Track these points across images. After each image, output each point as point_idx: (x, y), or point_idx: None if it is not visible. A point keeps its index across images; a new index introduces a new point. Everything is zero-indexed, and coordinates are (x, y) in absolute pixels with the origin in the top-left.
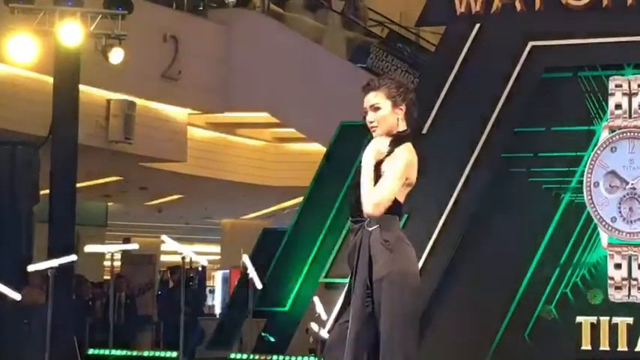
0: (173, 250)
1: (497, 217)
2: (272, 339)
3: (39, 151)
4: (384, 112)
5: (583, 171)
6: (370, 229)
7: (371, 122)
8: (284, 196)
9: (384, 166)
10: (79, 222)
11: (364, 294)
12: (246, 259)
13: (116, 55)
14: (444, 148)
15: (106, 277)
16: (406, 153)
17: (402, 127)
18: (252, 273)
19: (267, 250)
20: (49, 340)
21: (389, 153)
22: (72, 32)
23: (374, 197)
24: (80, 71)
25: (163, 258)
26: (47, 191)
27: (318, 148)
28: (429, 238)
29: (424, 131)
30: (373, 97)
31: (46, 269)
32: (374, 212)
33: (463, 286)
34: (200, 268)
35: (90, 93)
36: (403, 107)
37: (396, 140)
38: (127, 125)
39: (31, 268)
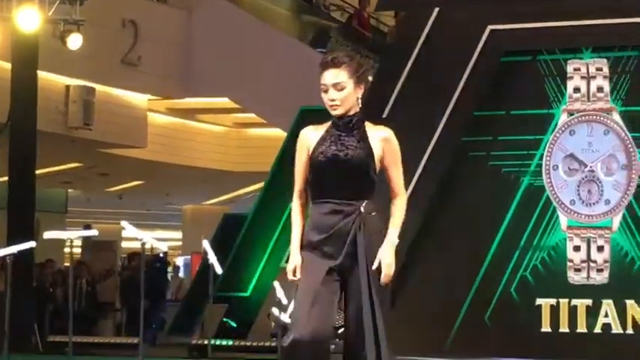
0: (134, 236)
1: (457, 201)
2: (233, 324)
3: None
4: (347, 91)
5: (542, 154)
6: (371, 213)
7: (333, 100)
8: (245, 182)
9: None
10: (38, 208)
11: (368, 282)
12: (206, 244)
13: (75, 41)
14: (404, 133)
15: (67, 264)
16: (392, 135)
17: (357, 108)
18: (212, 258)
19: (228, 235)
20: (8, 326)
21: (358, 128)
22: (30, 18)
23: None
24: (38, 57)
25: (125, 244)
26: (6, 178)
27: (279, 133)
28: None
29: (384, 115)
30: (336, 75)
31: (5, 256)
32: None
33: (423, 271)
34: (161, 255)
35: (48, 79)
36: (362, 87)
37: (361, 119)
38: (86, 111)
39: None
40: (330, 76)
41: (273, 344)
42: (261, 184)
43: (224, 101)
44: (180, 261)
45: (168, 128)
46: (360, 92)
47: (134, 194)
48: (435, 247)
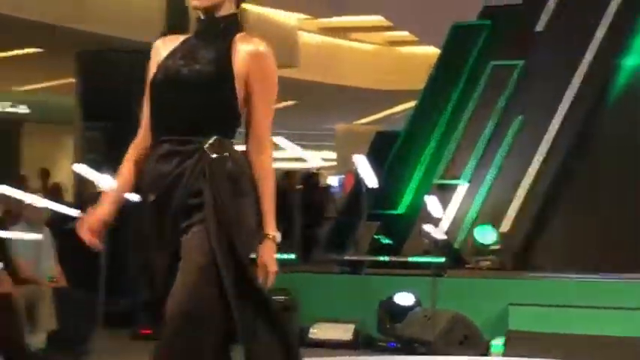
0: (287, 156)
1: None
2: (387, 241)
3: None
4: None
5: None
6: (221, 154)
7: None
8: (396, 100)
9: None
10: None
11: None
12: (359, 158)
13: None
14: (559, 45)
15: None
16: (267, 52)
17: (230, 8)
18: (363, 172)
19: (380, 153)
20: None
21: (224, 37)
22: None
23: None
24: None
25: (278, 165)
26: None
27: (431, 51)
28: (544, 135)
29: (539, 29)
30: None
31: None
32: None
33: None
34: (315, 172)
35: None
36: None
37: (234, 26)
38: None
39: None
40: None
41: (427, 260)
42: (412, 103)
43: (376, 19)
44: (333, 180)
45: (320, 47)
46: None
47: (287, 114)
48: (592, 159)
